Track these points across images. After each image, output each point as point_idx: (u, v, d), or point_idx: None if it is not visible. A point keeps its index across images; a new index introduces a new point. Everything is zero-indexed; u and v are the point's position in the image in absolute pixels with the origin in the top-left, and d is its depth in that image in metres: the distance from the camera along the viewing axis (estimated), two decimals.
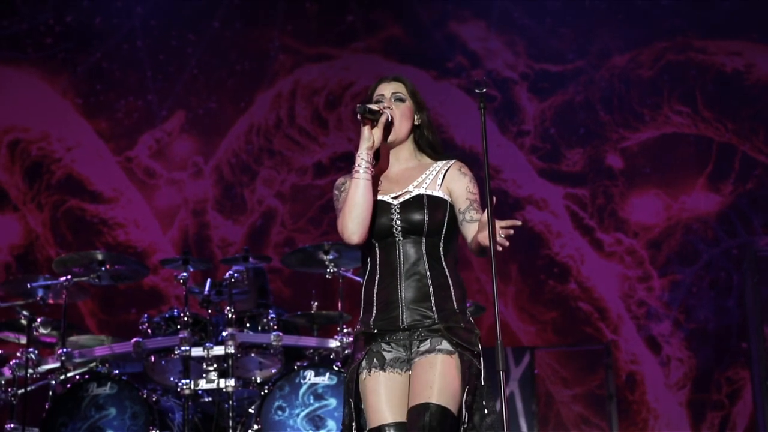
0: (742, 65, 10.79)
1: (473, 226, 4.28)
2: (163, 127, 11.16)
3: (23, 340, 7.82)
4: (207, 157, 11.05)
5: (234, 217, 10.95)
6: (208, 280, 7.56)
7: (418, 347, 4.20)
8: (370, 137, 4.30)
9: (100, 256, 7.80)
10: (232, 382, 7.17)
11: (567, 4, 11.14)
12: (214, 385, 7.22)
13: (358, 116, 4.30)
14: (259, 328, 7.58)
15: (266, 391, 7.28)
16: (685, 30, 10.88)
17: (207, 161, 11.04)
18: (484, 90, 4.42)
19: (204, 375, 7.24)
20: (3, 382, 7.75)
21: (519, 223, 4.17)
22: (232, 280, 7.33)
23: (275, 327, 7.51)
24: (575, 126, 10.96)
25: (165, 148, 11.15)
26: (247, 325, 7.60)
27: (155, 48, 11.31)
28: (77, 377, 7.56)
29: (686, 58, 10.87)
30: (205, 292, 7.42)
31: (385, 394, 4.15)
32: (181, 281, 7.40)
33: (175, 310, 7.60)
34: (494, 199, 4.11)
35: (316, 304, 7.88)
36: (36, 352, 7.64)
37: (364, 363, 4.22)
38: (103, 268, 7.70)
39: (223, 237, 10.90)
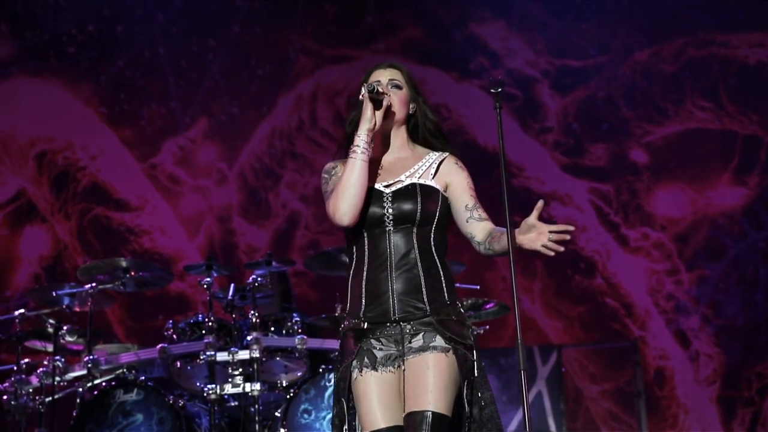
0: (766, 56, 10.73)
1: (483, 225, 4.27)
2: (187, 134, 11.20)
3: (50, 348, 7.86)
4: (231, 162, 11.07)
5: (259, 222, 10.97)
6: (232, 284, 7.57)
7: (410, 342, 4.11)
8: (372, 118, 4.19)
9: (124, 263, 7.85)
10: (257, 386, 7.16)
11: (587, 0, 11.11)
12: (239, 390, 7.22)
13: (365, 95, 4.18)
14: (284, 331, 7.57)
15: (292, 394, 7.29)
16: (707, 24, 10.82)
17: (231, 167, 11.07)
18: (500, 89, 4.42)
19: (230, 379, 7.25)
20: (31, 390, 7.77)
21: (572, 228, 4.15)
22: (256, 284, 7.34)
23: (300, 330, 7.52)
24: (598, 121, 10.93)
25: (189, 155, 11.19)
26: (272, 329, 7.58)
27: (177, 55, 11.35)
28: (104, 384, 7.59)
29: (708, 53, 10.81)
30: (229, 297, 7.43)
31: (377, 396, 4.07)
32: (205, 286, 7.43)
33: (200, 316, 7.61)
34: (541, 202, 4.14)
35: (340, 306, 7.86)
36: (63, 359, 7.68)
37: (355, 362, 4.12)
38: (127, 275, 7.75)
39: (248, 243, 10.92)
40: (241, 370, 7.28)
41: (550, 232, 4.12)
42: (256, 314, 7.31)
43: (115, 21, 11.41)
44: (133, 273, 7.80)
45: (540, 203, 4.17)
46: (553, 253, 4.15)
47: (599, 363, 10.35)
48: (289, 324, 7.58)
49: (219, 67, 11.30)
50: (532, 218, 4.15)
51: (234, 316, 7.49)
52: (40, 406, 7.63)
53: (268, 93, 11.17)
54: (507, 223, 4.15)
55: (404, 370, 4.10)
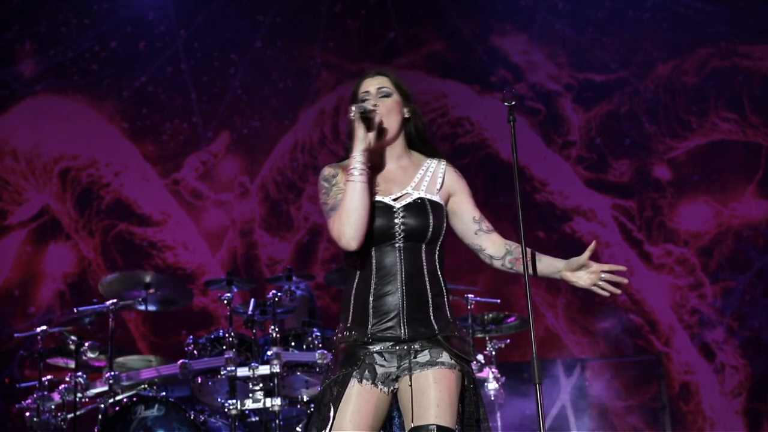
0: None
1: (492, 238, 4.28)
2: (209, 149, 11.23)
3: (72, 364, 7.88)
4: (252, 176, 11.10)
5: (281, 234, 10.98)
6: (252, 300, 7.56)
7: (416, 357, 4.07)
8: (366, 139, 4.09)
9: (147, 278, 7.85)
10: (278, 401, 7.12)
11: (609, 14, 11.08)
12: (260, 405, 7.17)
13: (354, 117, 4.11)
14: (304, 346, 7.55)
15: (313, 409, 7.26)
16: (729, 36, 10.79)
17: (253, 180, 11.09)
18: (513, 103, 4.40)
19: (250, 395, 7.20)
20: (53, 406, 7.80)
21: (624, 269, 4.21)
22: (276, 299, 7.33)
23: (320, 345, 7.49)
24: (621, 137, 10.89)
25: (212, 170, 11.22)
26: (292, 343, 7.56)
27: (199, 70, 11.40)
28: (125, 400, 7.58)
29: (731, 64, 10.78)
30: (249, 312, 7.42)
31: (357, 405, 4.00)
32: (226, 302, 7.42)
33: (221, 331, 7.58)
34: (594, 243, 4.17)
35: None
36: (85, 376, 7.68)
37: (356, 372, 4.04)
38: (149, 291, 7.76)
39: (270, 255, 10.93)
40: (261, 385, 7.24)
41: (603, 272, 4.17)
42: (277, 329, 7.29)
43: (138, 37, 11.47)
44: (154, 290, 7.80)
45: (593, 244, 4.17)
46: (608, 294, 4.21)
47: (624, 378, 10.29)
48: (310, 339, 7.55)
49: (241, 81, 11.33)
50: (584, 258, 4.17)
51: (254, 331, 7.47)
52: (63, 423, 7.64)
53: (290, 107, 11.20)
54: (521, 235, 4.17)
55: (410, 384, 4.05)
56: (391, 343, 4.08)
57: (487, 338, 8.29)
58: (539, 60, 11.16)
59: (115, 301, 7.65)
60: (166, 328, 10.70)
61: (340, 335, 4.16)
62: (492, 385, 7.93)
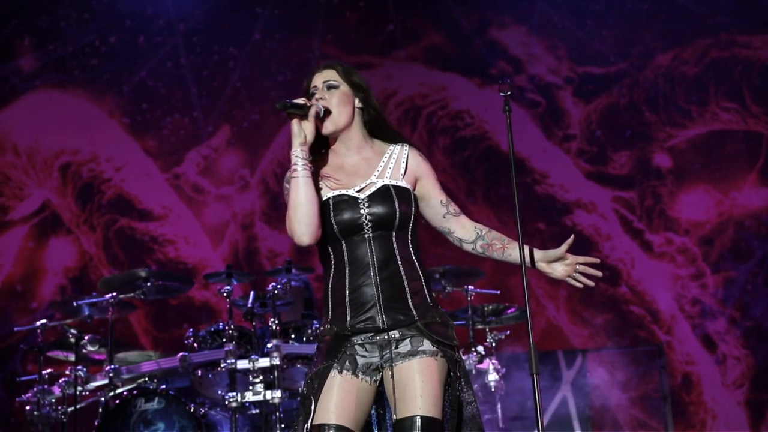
0: None
1: (460, 221, 4.28)
2: (210, 143, 11.24)
3: (72, 358, 7.89)
4: (253, 169, 11.11)
5: (281, 227, 10.97)
6: (252, 292, 7.57)
7: (397, 347, 4.05)
8: (300, 132, 4.10)
9: (143, 274, 7.85)
10: (278, 393, 7.13)
11: (608, 5, 11.08)
12: (261, 397, 7.18)
13: (283, 112, 4.13)
14: (304, 338, 7.56)
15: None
16: (729, 26, 10.79)
17: (253, 173, 11.10)
18: (509, 93, 4.40)
19: (251, 387, 7.21)
20: (53, 400, 7.80)
21: (597, 261, 4.24)
22: (275, 292, 7.33)
23: None
24: (621, 128, 10.89)
25: (212, 164, 11.22)
26: (292, 336, 7.57)
27: (198, 64, 11.40)
28: (125, 393, 7.59)
29: (731, 54, 10.77)
30: (249, 305, 7.43)
31: (339, 396, 3.99)
32: (225, 294, 7.43)
33: (221, 324, 7.59)
34: (572, 238, 4.21)
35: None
36: (85, 369, 7.70)
37: (336, 364, 4.03)
38: (148, 284, 7.76)
39: (270, 248, 10.94)
40: (262, 377, 7.24)
41: (579, 263, 4.22)
42: (276, 322, 7.29)
43: (137, 32, 11.47)
44: (153, 281, 7.81)
45: (571, 238, 4.20)
46: (581, 285, 4.24)
47: (625, 369, 10.28)
48: (310, 331, 7.56)
49: (240, 75, 11.33)
50: (560, 251, 4.21)
51: (254, 323, 7.48)
52: (63, 416, 7.66)
53: (289, 99, 11.16)
54: (518, 225, 4.17)
55: (392, 376, 4.03)
56: (371, 334, 4.07)
57: (487, 329, 8.31)
58: (538, 52, 11.15)
59: (114, 294, 7.66)
60: (168, 323, 10.71)
61: (322, 329, 4.16)
62: (492, 377, 7.95)
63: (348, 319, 4.08)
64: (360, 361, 4.06)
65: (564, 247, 4.20)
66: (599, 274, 4.25)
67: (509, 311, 8.36)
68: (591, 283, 4.24)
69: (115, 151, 11.27)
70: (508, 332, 8.22)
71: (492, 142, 10.80)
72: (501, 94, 4.39)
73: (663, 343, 10.23)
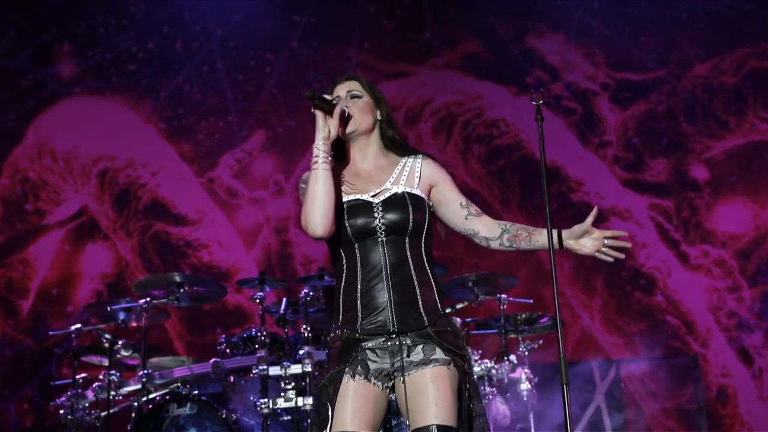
0: None
1: (483, 220, 4.29)
2: (244, 147, 11.26)
3: (106, 362, 7.93)
4: (287, 174, 11.12)
5: None
6: (284, 299, 7.58)
7: (409, 355, 4.06)
8: (324, 127, 4.15)
9: (178, 278, 7.87)
10: (310, 400, 7.13)
11: (646, 12, 11.03)
12: (292, 404, 7.19)
13: (311, 102, 4.18)
14: None
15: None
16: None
17: (287, 178, 11.11)
18: (541, 102, 4.40)
19: (282, 393, 7.22)
20: (87, 404, 7.83)
21: (625, 234, 4.26)
22: (308, 298, 7.33)
23: None
24: (658, 136, 10.84)
25: (246, 168, 11.24)
26: (324, 343, 7.58)
27: (234, 69, 11.43)
28: (158, 398, 7.62)
29: None
30: (281, 311, 7.44)
31: (356, 402, 3.99)
32: (258, 300, 7.44)
33: (253, 330, 7.62)
34: (596, 209, 4.27)
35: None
36: (118, 374, 7.74)
37: (348, 369, 4.03)
38: (181, 290, 7.78)
39: (305, 254, 10.94)
40: (293, 384, 7.25)
41: (606, 238, 4.21)
42: (308, 328, 7.29)
43: (174, 37, 11.51)
44: (187, 288, 7.82)
45: (595, 210, 4.24)
46: (612, 259, 4.23)
47: (660, 380, 10.22)
48: None
49: (276, 81, 11.35)
50: (586, 224, 4.22)
51: (286, 330, 7.50)
52: (96, 421, 7.70)
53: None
54: (549, 231, 4.18)
55: (404, 383, 4.03)
56: (382, 339, 4.07)
57: (520, 339, 8.28)
58: (575, 60, 11.11)
59: (148, 299, 7.69)
60: (201, 327, 10.73)
61: (332, 335, 4.17)
62: (524, 386, 7.91)
63: (359, 322, 4.08)
64: (372, 366, 4.06)
65: (590, 219, 4.22)
66: (628, 245, 4.24)
67: (542, 320, 8.33)
68: (621, 255, 4.22)
69: (151, 155, 11.31)
70: (541, 341, 8.18)
71: (527, 150, 10.77)
72: (533, 102, 4.40)
73: (698, 355, 10.16)
